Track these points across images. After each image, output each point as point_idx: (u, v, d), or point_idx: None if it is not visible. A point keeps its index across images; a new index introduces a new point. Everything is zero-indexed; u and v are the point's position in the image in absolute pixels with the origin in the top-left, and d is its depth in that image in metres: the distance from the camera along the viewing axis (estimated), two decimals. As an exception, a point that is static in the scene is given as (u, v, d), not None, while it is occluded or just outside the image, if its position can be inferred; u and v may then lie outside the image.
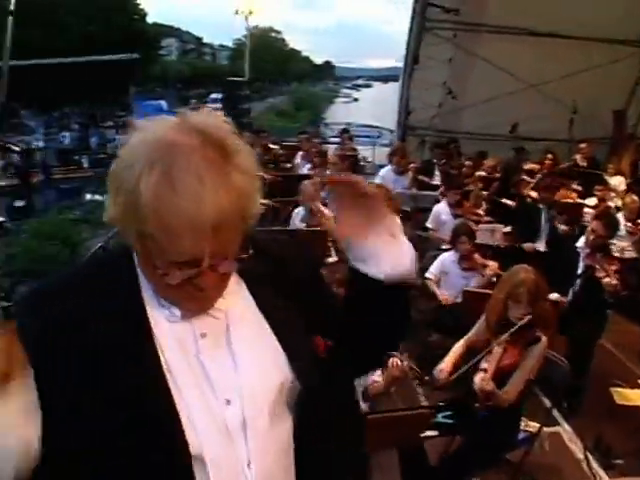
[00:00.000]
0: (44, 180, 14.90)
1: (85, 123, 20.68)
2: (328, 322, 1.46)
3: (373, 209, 1.40)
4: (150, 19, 48.24)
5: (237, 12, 21.64)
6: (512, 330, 3.72)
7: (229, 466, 1.27)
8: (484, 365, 3.74)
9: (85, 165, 17.33)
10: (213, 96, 40.41)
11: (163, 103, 43.03)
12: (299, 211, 7.19)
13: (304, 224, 7.00)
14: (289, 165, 11.59)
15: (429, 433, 3.40)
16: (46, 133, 21.55)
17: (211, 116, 1.24)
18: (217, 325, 1.33)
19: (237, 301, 1.37)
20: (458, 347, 4.10)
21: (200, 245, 1.15)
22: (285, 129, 26.72)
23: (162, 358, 1.27)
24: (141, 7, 43.97)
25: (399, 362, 3.71)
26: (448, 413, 3.73)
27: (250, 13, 21.74)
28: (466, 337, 4.12)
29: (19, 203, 12.59)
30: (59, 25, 34.28)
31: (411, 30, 12.86)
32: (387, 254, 1.41)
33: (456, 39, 12.62)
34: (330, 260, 6.56)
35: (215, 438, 1.27)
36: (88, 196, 13.48)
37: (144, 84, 43.13)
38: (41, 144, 19.20)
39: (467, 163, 10.08)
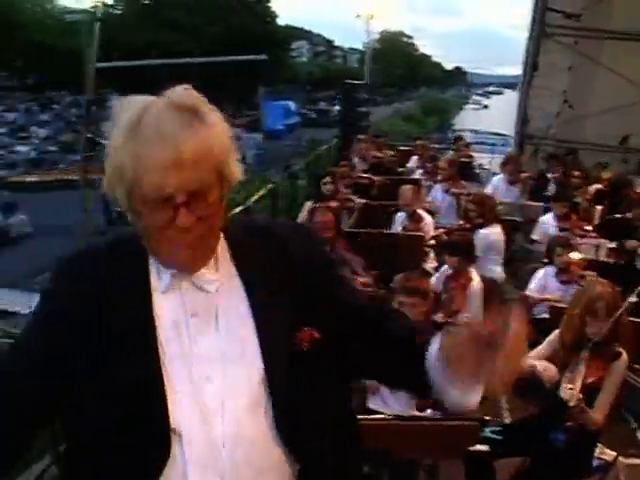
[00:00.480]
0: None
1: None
2: (327, 316, 1.45)
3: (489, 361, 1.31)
4: (281, 21, 49.22)
5: (358, 16, 21.83)
6: (590, 344, 3.59)
7: (203, 443, 1.33)
8: (567, 385, 3.60)
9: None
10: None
11: (291, 103, 44.01)
12: (400, 215, 7.24)
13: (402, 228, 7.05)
14: (402, 169, 11.57)
15: (479, 447, 3.34)
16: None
17: (186, 89, 1.35)
18: (208, 304, 1.40)
19: (228, 283, 1.42)
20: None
21: (166, 178, 1.25)
22: (411, 134, 26.58)
23: (159, 338, 1.36)
24: (272, 10, 44.95)
25: None
26: (496, 428, 3.64)
27: (371, 17, 21.85)
28: (534, 354, 3.93)
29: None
30: (192, 27, 35.72)
31: (530, 36, 12.52)
32: (471, 394, 1.39)
33: (577, 46, 12.18)
34: (428, 266, 6.55)
35: (192, 413, 1.33)
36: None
37: (274, 85, 44.13)
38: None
39: (577, 174, 9.65)
